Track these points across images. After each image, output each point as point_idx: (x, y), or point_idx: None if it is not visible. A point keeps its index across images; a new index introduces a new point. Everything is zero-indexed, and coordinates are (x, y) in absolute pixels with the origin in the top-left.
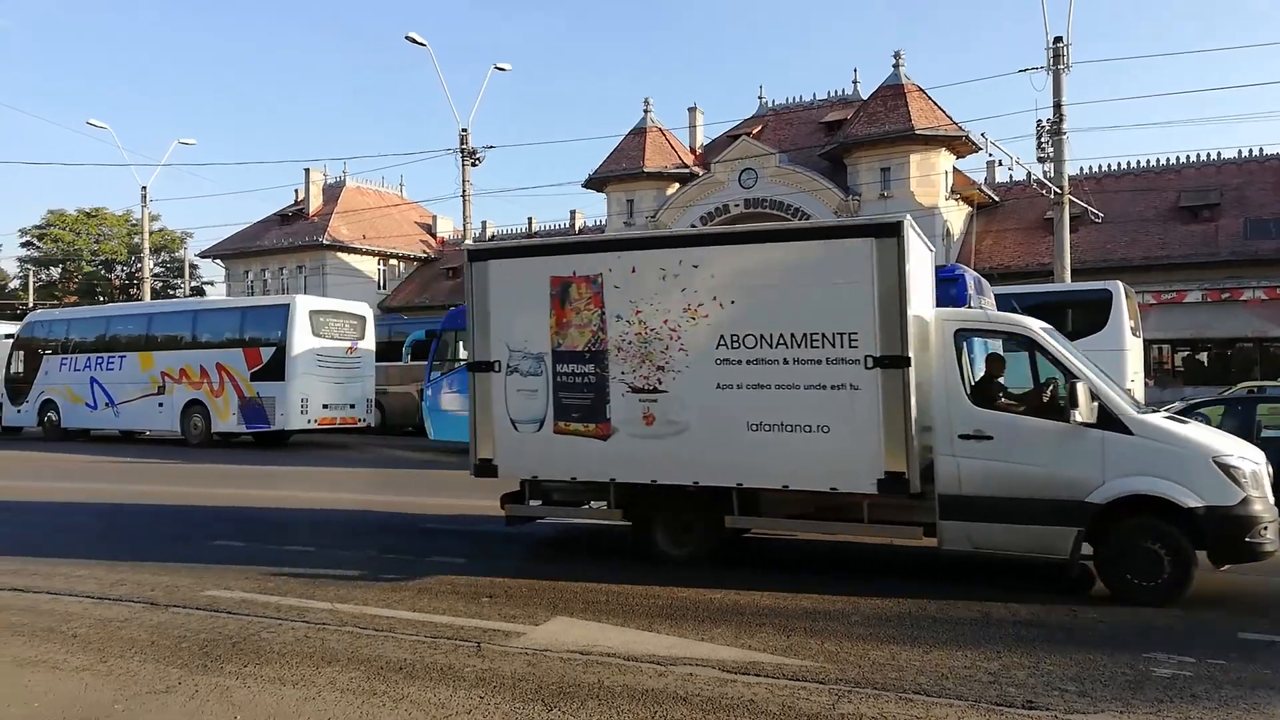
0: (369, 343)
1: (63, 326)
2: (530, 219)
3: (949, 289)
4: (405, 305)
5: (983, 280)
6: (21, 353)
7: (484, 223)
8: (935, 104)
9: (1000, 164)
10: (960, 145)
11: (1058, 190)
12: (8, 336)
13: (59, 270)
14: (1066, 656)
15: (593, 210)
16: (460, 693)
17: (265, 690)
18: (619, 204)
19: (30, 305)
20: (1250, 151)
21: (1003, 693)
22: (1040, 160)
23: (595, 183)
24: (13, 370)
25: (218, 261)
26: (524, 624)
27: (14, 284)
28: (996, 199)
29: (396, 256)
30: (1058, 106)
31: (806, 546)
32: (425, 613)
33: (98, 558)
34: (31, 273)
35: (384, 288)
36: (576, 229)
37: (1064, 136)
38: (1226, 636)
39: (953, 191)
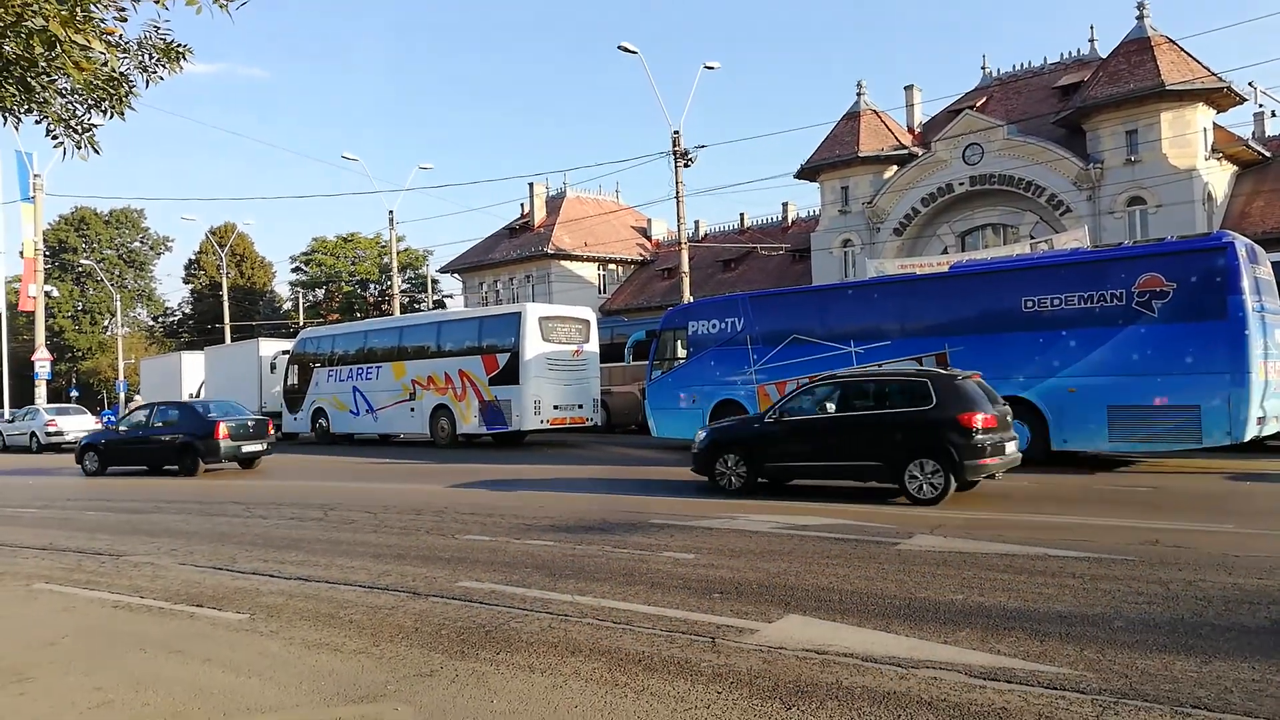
0: (593, 345)
1: (328, 342)
2: (742, 215)
3: (1215, 259)
4: (624, 307)
5: (1256, 247)
6: (296, 367)
7: (696, 222)
8: (1189, 55)
9: (1273, 115)
10: (1221, 98)
11: None
12: (284, 353)
13: (323, 291)
14: None
15: (805, 201)
16: (699, 687)
17: (516, 677)
18: (833, 192)
19: (300, 324)
20: None
21: None
22: None
23: (808, 172)
24: (289, 382)
25: (455, 275)
26: (756, 620)
27: (287, 305)
28: (1268, 155)
29: (615, 261)
30: None
31: (1054, 549)
32: (659, 606)
33: (367, 549)
34: (300, 295)
35: (604, 292)
36: (789, 221)
37: None
38: None
39: (1214, 150)
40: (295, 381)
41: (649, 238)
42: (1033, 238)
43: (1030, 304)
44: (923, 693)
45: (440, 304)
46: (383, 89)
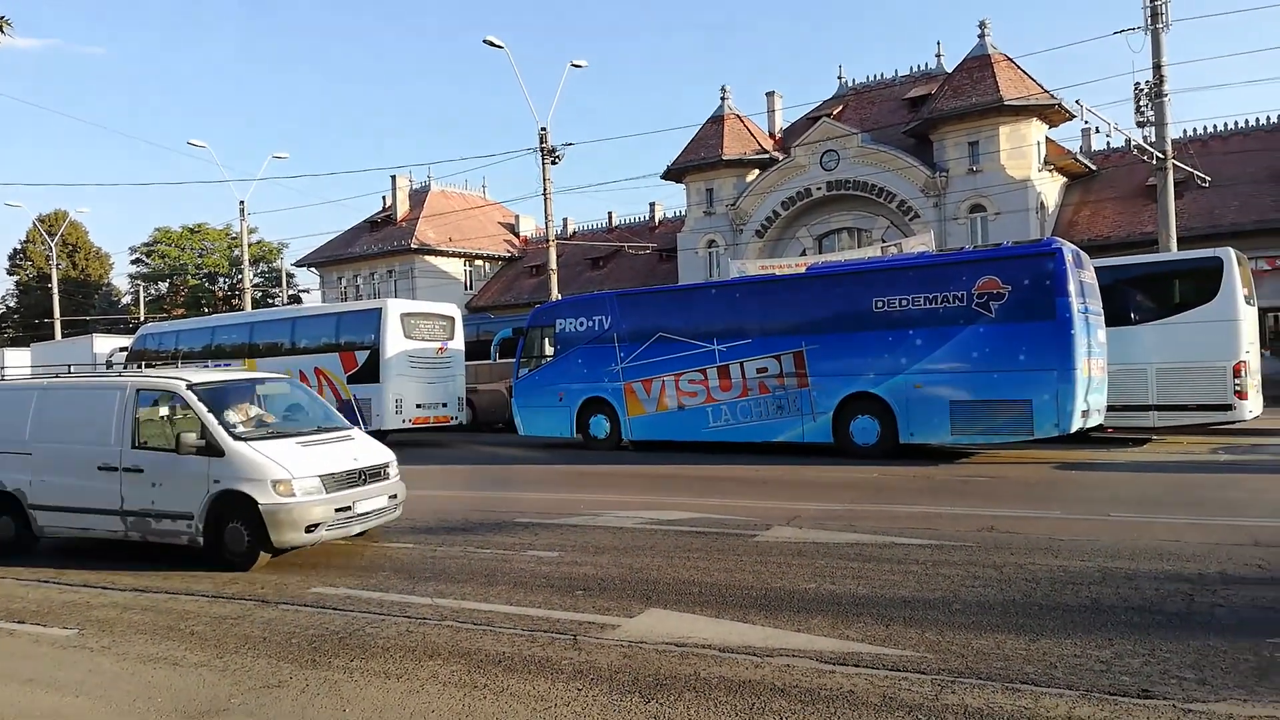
0: (458, 342)
1: (171, 338)
2: (610, 213)
3: (1045, 264)
4: (491, 304)
5: (1081, 253)
6: (135, 365)
7: (565, 219)
8: (1024, 73)
9: (1096, 131)
10: (1053, 114)
11: (1160, 155)
12: (122, 349)
13: (166, 285)
14: (1183, 643)
15: (672, 201)
16: (559, 685)
17: (371, 684)
18: (698, 193)
19: (141, 319)
20: None
21: (1116, 681)
22: (1139, 125)
23: (674, 174)
24: None
25: (312, 269)
26: (618, 616)
27: (126, 299)
28: (1093, 168)
29: (482, 257)
30: (1158, 67)
31: (900, 538)
32: (521, 606)
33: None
34: (141, 288)
35: (470, 288)
36: (656, 220)
37: (1165, 98)
38: None
39: (1046, 163)
40: None
41: (517, 234)
42: (884, 241)
43: (880, 304)
44: (776, 680)
45: (296, 299)
46: (234, 72)
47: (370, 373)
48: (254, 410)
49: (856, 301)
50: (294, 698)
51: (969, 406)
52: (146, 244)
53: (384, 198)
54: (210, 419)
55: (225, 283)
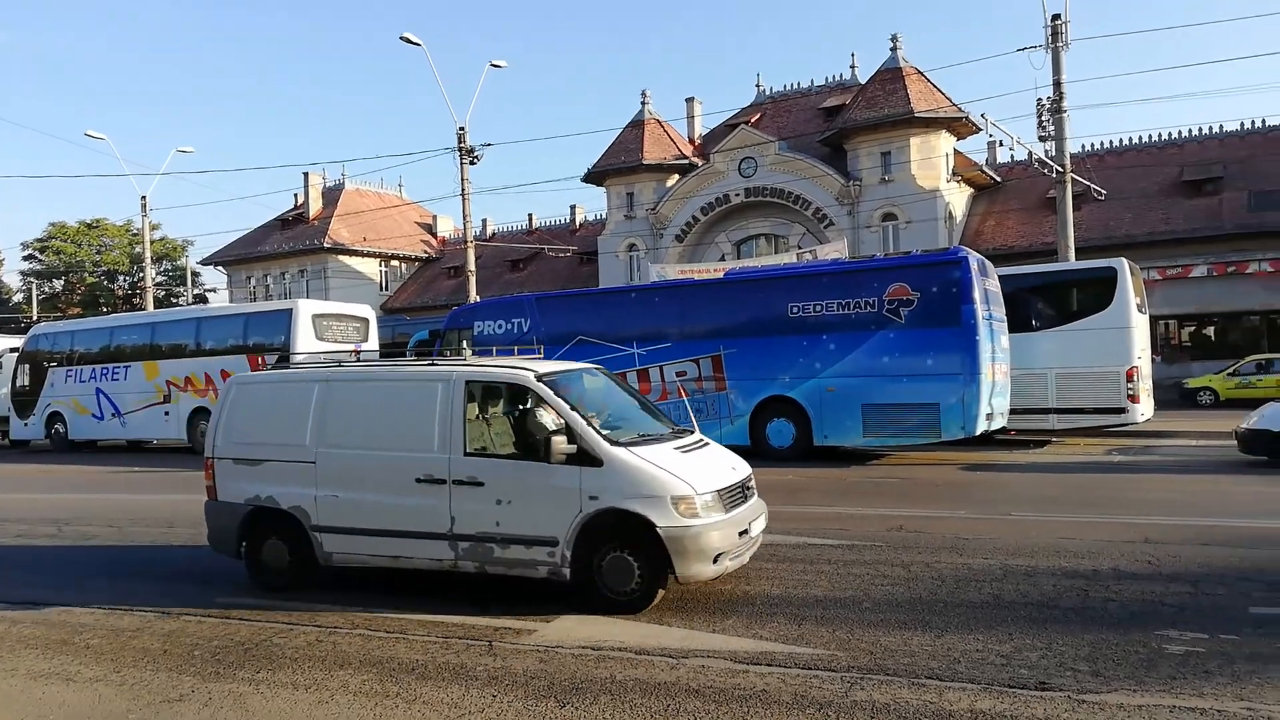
0: (373, 344)
1: (66, 338)
2: (530, 215)
3: (952, 272)
4: (407, 306)
5: (986, 262)
6: (27, 366)
7: (484, 220)
8: (934, 86)
9: (1001, 144)
10: (961, 127)
11: (1059, 169)
12: (12, 350)
13: (62, 282)
14: (1078, 637)
15: (593, 204)
16: (473, 692)
17: (278, 695)
18: (619, 197)
19: (34, 318)
20: (1253, 123)
21: (1015, 674)
22: (1041, 139)
23: (594, 177)
24: (19, 383)
25: (219, 268)
26: (535, 621)
27: (17, 297)
28: (998, 180)
29: (398, 257)
30: (1057, 84)
31: (813, 538)
32: (436, 613)
33: (111, 568)
34: (34, 286)
35: (386, 289)
36: (577, 223)
37: (1064, 114)
38: (1238, 612)
39: (954, 173)
40: (26, 382)
41: (434, 234)
42: (800, 248)
43: (796, 310)
44: (691, 681)
45: (202, 299)
46: (137, 62)
47: None
48: (594, 406)
49: (773, 307)
50: (196, 711)
51: (880, 409)
52: (40, 239)
53: (296, 195)
54: (577, 419)
55: (126, 281)
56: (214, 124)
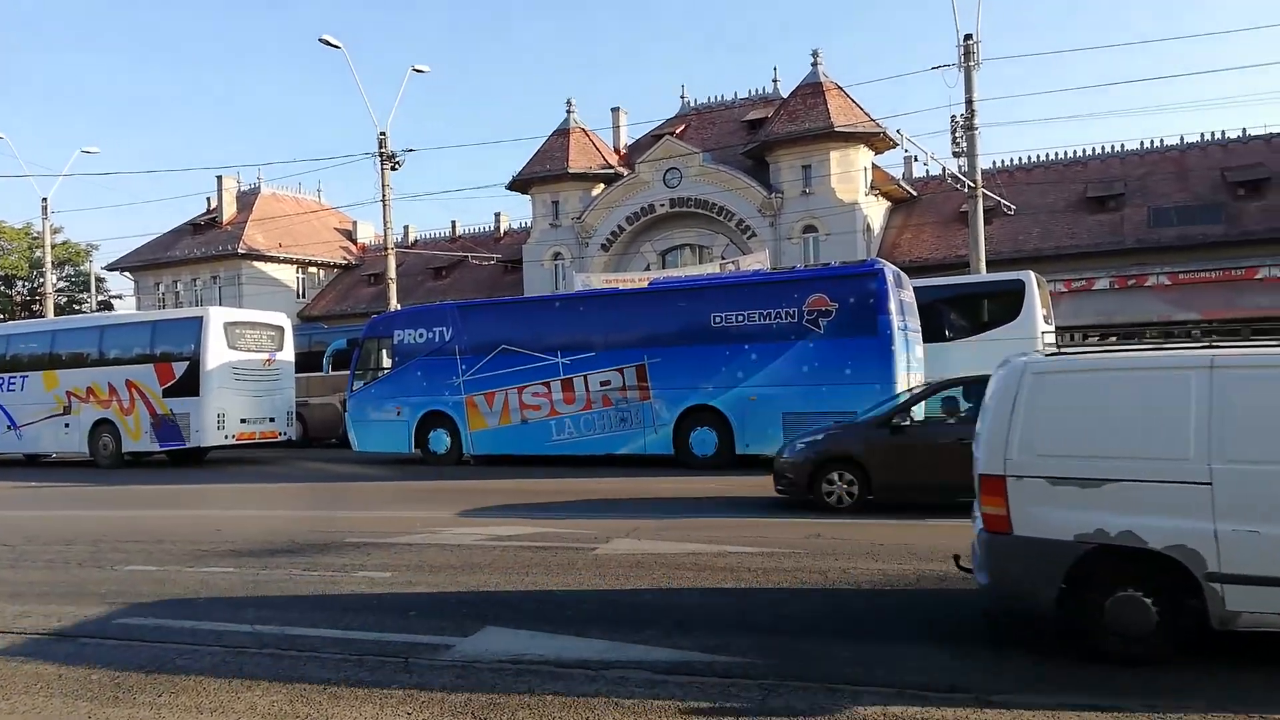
0: (288, 353)
1: None
2: (454, 223)
3: (868, 283)
4: (326, 314)
5: (902, 274)
6: None
7: (406, 227)
8: (853, 101)
9: (916, 159)
10: (878, 142)
11: (971, 184)
12: None
13: None
14: (988, 638)
15: (518, 213)
16: (388, 709)
17: None
18: (544, 206)
19: None
20: (1152, 143)
21: (929, 678)
22: (955, 155)
23: (519, 184)
24: None
25: (126, 274)
26: (453, 636)
27: None
28: (914, 194)
29: (316, 264)
30: (969, 102)
31: (732, 546)
32: (350, 630)
33: (2, 588)
34: None
35: (303, 296)
36: (502, 231)
37: (976, 131)
38: None
39: (872, 187)
40: None
41: (354, 241)
42: (723, 258)
43: (719, 319)
44: (610, 692)
45: (107, 306)
46: (39, 59)
47: (189, 385)
48: None
49: (696, 316)
50: None
51: (800, 418)
52: None
53: (209, 199)
54: None
55: (24, 287)
56: (121, 125)
